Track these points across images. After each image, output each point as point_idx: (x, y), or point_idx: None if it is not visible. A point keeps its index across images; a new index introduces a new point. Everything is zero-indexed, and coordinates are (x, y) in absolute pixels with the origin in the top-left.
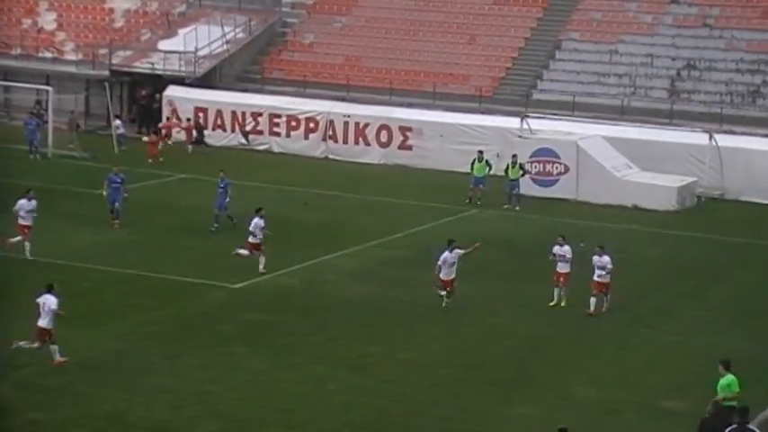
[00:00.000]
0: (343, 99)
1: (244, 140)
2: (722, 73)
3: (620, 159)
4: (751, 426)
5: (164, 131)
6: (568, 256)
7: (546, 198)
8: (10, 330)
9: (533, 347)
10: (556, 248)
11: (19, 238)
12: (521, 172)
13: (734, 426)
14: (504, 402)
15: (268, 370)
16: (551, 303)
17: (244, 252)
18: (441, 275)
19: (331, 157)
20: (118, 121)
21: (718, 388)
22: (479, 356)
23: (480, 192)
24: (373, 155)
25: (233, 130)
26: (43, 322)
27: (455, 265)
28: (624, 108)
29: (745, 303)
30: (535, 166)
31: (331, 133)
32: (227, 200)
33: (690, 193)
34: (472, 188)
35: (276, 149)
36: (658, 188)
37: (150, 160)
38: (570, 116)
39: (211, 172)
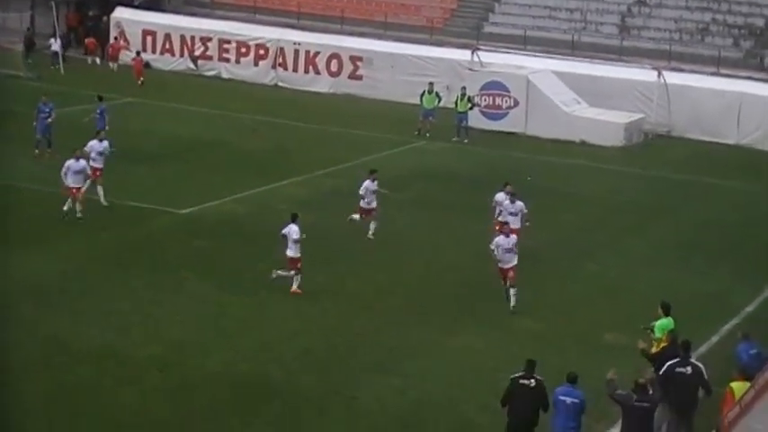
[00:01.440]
0: (293, 27)
1: (192, 65)
2: (672, 10)
3: (569, 94)
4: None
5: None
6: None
7: (495, 131)
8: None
9: (477, 280)
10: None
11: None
12: (469, 105)
13: (677, 359)
14: (448, 334)
15: (213, 295)
16: None
17: (356, 217)
18: (499, 264)
19: (280, 84)
20: (52, 40)
21: (656, 329)
22: (423, 288)
23: (429, 124)
24: (323, 84)
25: (181, 55)
26: (291, 252)
27: (514, 252)
28: (575, 43)
29: (689, 240)
30: (485, 99)
31: (281, 61)
32: (49, 121)
33: (637, 129)
34: (421, 120)
35: (225, 75)
36: (606, 124)
37: (140, 81)
38: (521, 50)
39: (159, 96)
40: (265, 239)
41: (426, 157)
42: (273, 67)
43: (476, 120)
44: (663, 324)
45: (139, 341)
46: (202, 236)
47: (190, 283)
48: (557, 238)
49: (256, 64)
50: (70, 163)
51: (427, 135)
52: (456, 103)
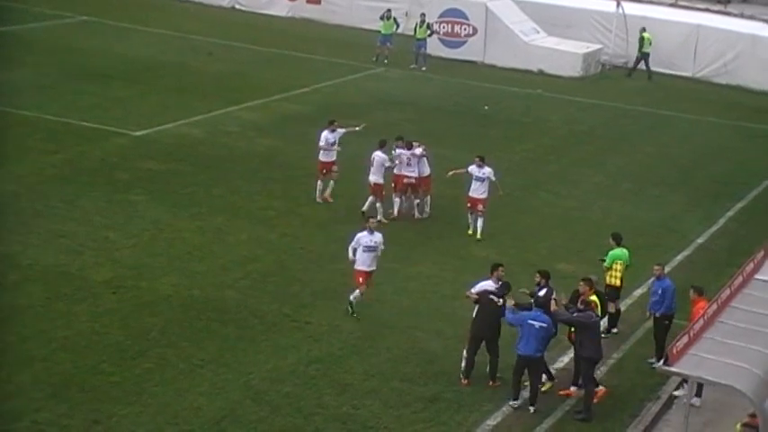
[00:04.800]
0: None
1: None
2: None
3: (527, 23)
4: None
5: None
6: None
7: (453, 59)
8: None
9: (436, 206)
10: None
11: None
12: (428, 32)
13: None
14: (404, 260)
15: (167, 219)
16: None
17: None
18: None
19: (237, 6)
20: None
21: (608, 258)
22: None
23: (387, 50)
24: (281, 7)
25: None
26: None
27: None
28: None
29: (643, 171)
30: (443, 27)
31: None
32: None
33: (595, 59)
34: (379, 46)
35: None
36: (564, 54)
37: None
38: None
39: (115, 16)
40: (220, 163)
41: (384, 83)
42: None
43: (434, 47)
44: (615, 254)
45: (92, 264)
46: (157, 159)
47: (144, 206)
48: (512, 168)
49: None
50: (325, 134)
51: (385, 62)
52: (415, 29)
